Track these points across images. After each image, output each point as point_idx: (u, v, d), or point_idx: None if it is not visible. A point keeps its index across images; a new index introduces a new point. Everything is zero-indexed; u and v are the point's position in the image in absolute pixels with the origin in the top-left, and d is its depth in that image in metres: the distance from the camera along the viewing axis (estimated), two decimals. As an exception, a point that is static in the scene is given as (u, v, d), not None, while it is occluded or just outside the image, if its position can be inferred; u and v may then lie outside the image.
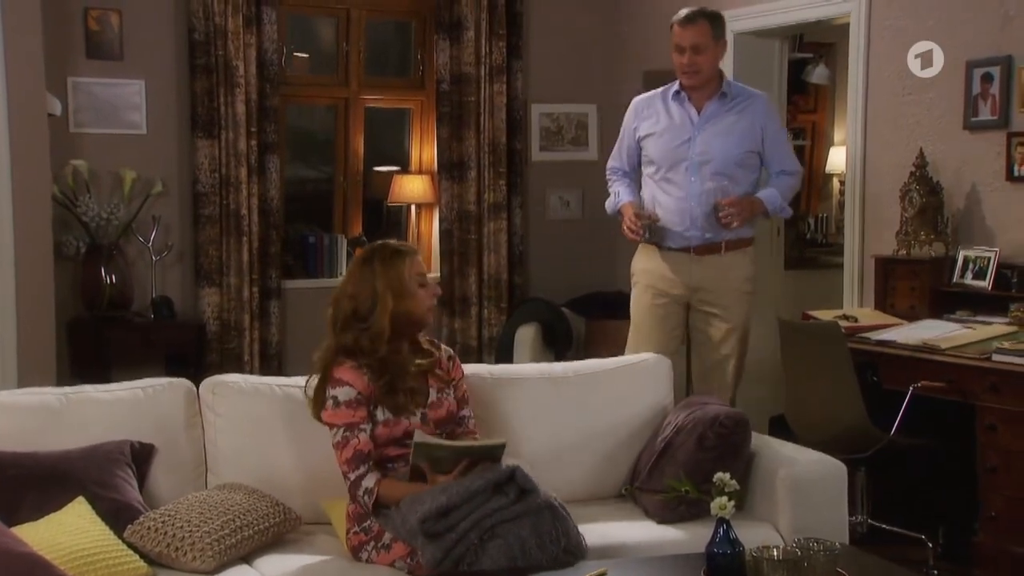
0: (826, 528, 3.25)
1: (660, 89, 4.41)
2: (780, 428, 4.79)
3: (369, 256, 3.07)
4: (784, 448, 3.45)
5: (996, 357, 3.88)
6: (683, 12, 4.29)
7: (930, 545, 4.22)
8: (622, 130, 4.48)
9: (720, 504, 2.52)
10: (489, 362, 6.41)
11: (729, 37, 5.86)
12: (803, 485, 3.26)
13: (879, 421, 4.13)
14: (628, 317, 6.18)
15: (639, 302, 4.45)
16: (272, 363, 6.02)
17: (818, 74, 6.94)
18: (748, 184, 4.29)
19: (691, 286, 4.29)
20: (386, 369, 2.98)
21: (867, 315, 4.74)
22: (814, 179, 7.96)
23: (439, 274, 6.42)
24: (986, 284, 4.41)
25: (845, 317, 4.67)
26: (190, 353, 5.67)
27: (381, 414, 2.98)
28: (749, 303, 4.35)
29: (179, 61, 5.84)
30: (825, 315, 4.70)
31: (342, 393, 2.95)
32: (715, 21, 4.26)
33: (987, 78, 4.51)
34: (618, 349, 5.89)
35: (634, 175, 4.44)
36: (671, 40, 4.28)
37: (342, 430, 2.94)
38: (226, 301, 5.89)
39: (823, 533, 3.17)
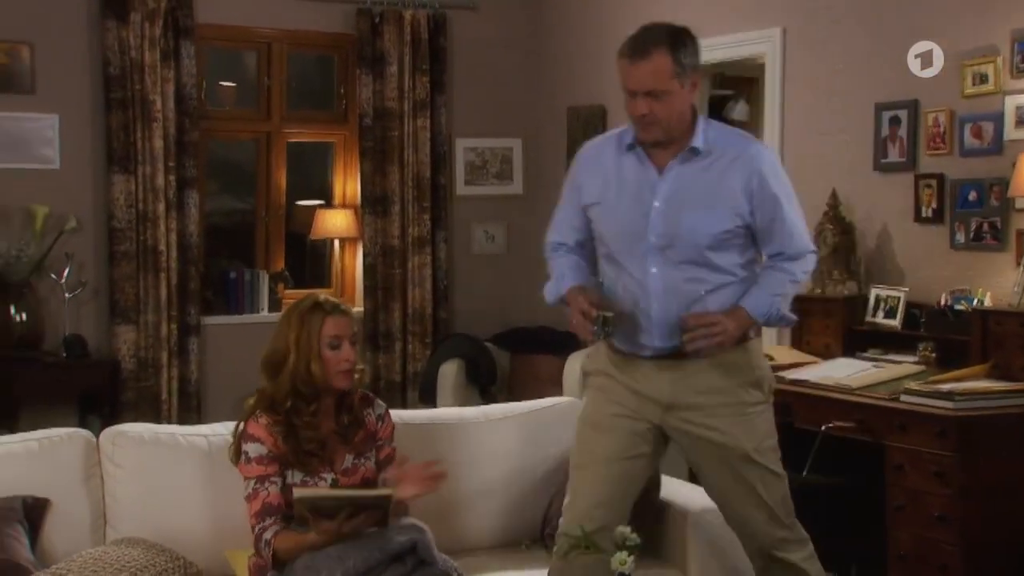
0: (735, 572, 3.26)
1: (615, 132, 2.99)
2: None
3: (292, 307, 3.01)
4: (694, 492, 3.46)
5: (904, 398, 3.94)
6: (631, 39, 2.81)
7: (843, 584, 4.25)
8: (564, 190, 3.08)
9: (620, 560, 2.50)
10: (413, 398, 6.39)
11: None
12: (712, 529, 3.26)
13: (792, 460, 4.16)
14: (552, 351, 6.25)
15: (587, 409, 3.07)
16: (191, 401, 5.93)
17: (739, 111, 7.01)
18: (733, 272, 2.90)
19: (663, 402, 2.93)
20: (292, 430, 2.90)
21: (783, 353, 4.79)
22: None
23: (362, 309, 6.38)
24: (896, 323, 4.48)
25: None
26: (104, 393, 5.56)
27: (291, 476, 2.91)
28: (761, 419, 2.95)
29: (94, 95, 5.76)
30: (741, 353, 4.73)
31: (252, 449, 2.90)
32: (679, 47, 2.79)
33: (895, 121, 4.59)
34: (541, 384, 5.91)
35: (584, 252, 3.05)
36: (620, 81, 2.85)
37: (253, 482, 2.89)
38: (143, 339, 5.79)
39: (731, 577, 3.20)
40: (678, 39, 2.81)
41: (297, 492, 2.75)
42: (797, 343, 4.87)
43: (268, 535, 2.83)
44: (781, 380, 4.43)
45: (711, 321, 2.82)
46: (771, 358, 4.66)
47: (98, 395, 5.56)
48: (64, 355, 5.52)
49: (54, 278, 5.58)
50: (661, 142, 2.85)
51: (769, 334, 5.27)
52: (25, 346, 5.39)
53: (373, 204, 6.39)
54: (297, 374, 2.89)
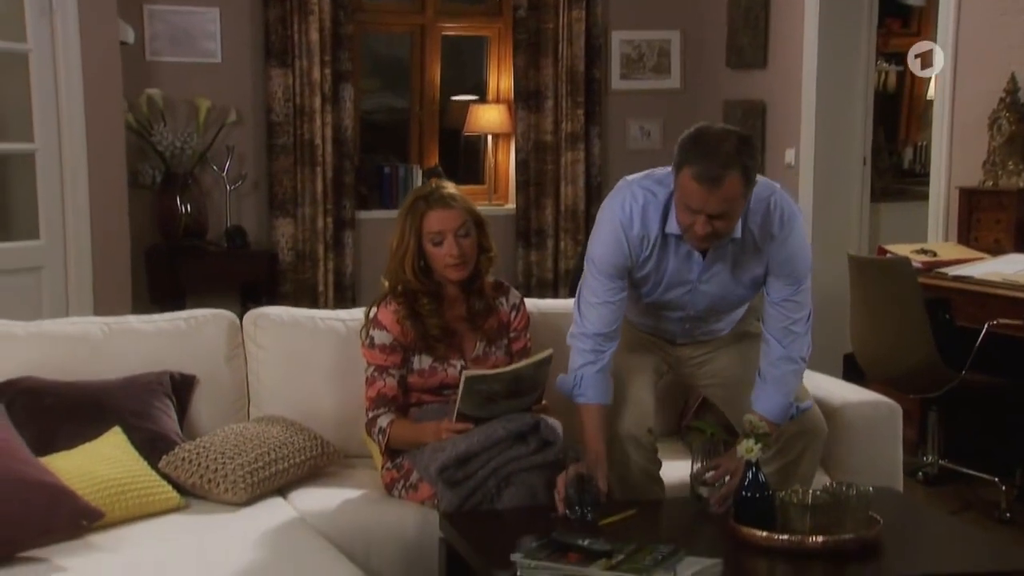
0: (879, 469, 3.15)
1: (645, 218, 2.79)
2: (854, 365, 4.64)
3: (408, 198, 3.01)
4: (837, 387, 3.33)
5: (1078, 296, 3.68)
6: (700, 158, 2.57)
7: (1003, 488, 4.07)
8: (596, 270, 2.87)
9: (747, 447, 2.44)
10: (564, 295, 6.35)
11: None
12: (853, 425, 3.15)
13: (952, 359, 3.97)
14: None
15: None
16: (346, 294, 6.06)
17: (914, -6, 6.60)
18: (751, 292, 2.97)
19: (676, 342, 3.11)
20: (417, 317, 2.91)
21: (948, 249, 4.54)
22: (914, 105, 7.66)
23: (514, 206, 6.36)
24: (1076, 217, 4.18)
25: (923, 251, 4.49)
26: (263, 283, 5.73)
27: (418, 363, 2.93)
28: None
29: (253, -12, 5.84)
30: (902, 250, 4.51)
31: (378, 336, 2.93)
32: (749, 162, 2.59)
33: (1083, -3, 4.21)
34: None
35: (613, 344, 2.89)
36: (677, 190, 2.65)
37: (372, 369, 2.94)
38: (300, 231, 5.92)
39: (875, 474, 3.09)
40: (746, 153, 2.58)
41: (467, 374, 2.73)
42: (964, 239, 4.60)
43: (384, 422, 2.87)
44: (943, 276, 4.23)
45: (730, 471, 2.65)
46: (934, 253, 4.45)
47: (258, 285, 5.73)
48: (226, 245, 5.71)
49: (216, 170, 5.74)
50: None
51: (934, 229, 5.01)
52: (191, 236, 5.58)
53: (526, 99, 6.31)
54: (409, 267, 2.90)
